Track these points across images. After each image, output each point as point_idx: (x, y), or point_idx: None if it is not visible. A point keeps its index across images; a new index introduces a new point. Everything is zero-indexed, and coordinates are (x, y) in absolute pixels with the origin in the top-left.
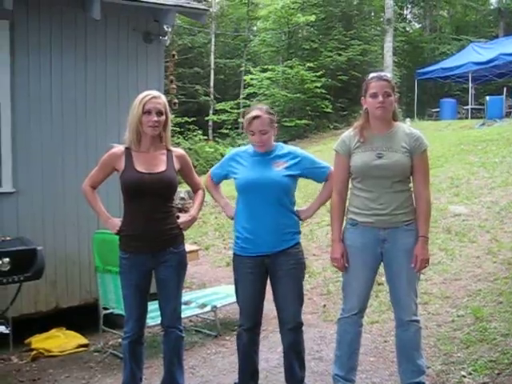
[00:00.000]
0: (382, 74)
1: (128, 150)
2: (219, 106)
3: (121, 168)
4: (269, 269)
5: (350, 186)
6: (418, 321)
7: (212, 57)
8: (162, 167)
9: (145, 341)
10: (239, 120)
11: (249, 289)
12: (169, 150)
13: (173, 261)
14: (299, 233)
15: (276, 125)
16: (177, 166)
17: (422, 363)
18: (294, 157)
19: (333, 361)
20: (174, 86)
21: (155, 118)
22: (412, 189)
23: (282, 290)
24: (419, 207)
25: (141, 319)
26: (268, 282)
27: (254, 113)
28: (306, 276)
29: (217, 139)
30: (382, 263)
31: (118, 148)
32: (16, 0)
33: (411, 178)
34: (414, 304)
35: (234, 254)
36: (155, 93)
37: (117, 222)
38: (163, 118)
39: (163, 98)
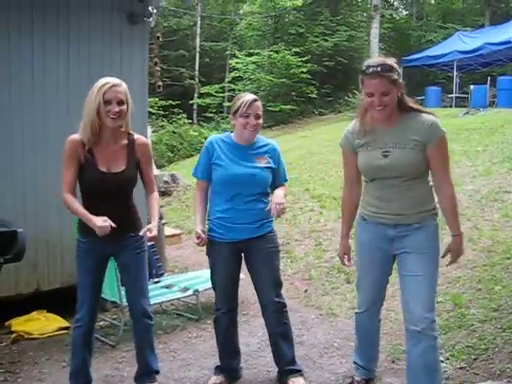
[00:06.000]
0: (380, 63)
1: (83, 141)
2: (204, 90)
3: (81, 161)
4: (245, 253)
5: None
6: (433, 337)
7: (197, 40)
8: (122, 165)
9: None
10: (224, 104)
11: (225, 273)
12: (130, 139)
13: (131, 244)
14: (272, 221)
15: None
16: (137, 156)
17: None
18: (273, 149)
19: (354, 347)
20: (159, 68)
21: (116, 109)
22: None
23: (261, 273)
24: (442, 204)
25: (95, 307)
26: (244, 267)
27: (251, 96)
28: (288, 261)
29: (201, 123)
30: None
31: (76, 135)
32: None
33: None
34: (427, 312)
35: (210, 240)
36: (115, 80)
37: (100, 222)
38: (124, 107)
39: (124, 86)
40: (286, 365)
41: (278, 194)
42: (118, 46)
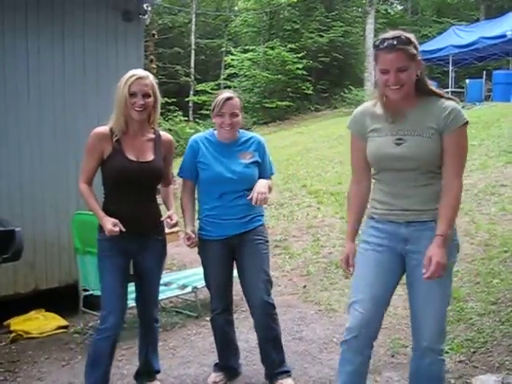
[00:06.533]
0: (396, 36)
1: (112, 132)
2: (200, 87)
3: (107, 151)
4: (235, 248)
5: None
6: (441, 351)
7: (192, 37)
8: (151, 155)
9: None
10: None
11: (217, 271)
12: (156, 134)
13: (156, 249)
14: (263, 215)
15: (243, 113)
16: (162, 151)
17: None
18: (258, 143)
19: None
20: (154, 65)
21: (141, 102)
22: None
23: (248, 266)
24: (444, 200)
25: (124, 311)
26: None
27: (226, 94)
28: (286, 257)
29: (197, 120)
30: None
31: (103, 128)
32: None
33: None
34: (438, 327)
35: (200, 239)
36: (141, 73)
37: (110, 225)
38: (151, 99)
39: (151, 78)
40: (275, 368)
41: (261, 183)
42: (113, 44)
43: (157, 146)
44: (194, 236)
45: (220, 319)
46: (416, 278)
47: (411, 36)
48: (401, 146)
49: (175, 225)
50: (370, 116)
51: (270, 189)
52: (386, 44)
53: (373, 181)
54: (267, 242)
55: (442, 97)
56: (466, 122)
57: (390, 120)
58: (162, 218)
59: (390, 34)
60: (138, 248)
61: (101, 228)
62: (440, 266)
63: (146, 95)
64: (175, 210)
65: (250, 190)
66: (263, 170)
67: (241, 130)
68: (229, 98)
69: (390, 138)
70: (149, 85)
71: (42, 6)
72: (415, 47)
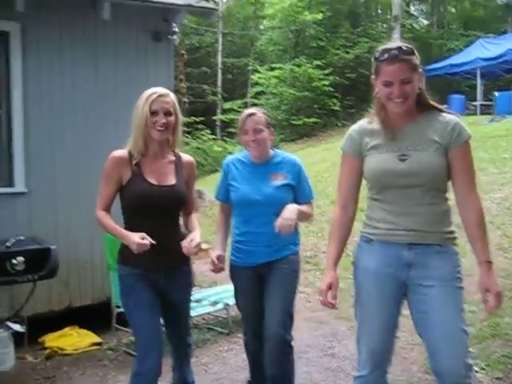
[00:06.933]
0: (398, 46)
1: (131, 155)
2: (227, 105)
3: (127, 176)
4: (264, 276)
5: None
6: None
7: (219, 56)
8: (172, 179)
9: None
10: None
11: (248, 298)
12: (177, 156)
13: (184, 281)
14: (297, 243)
15: (273, 130)
16: (184, 174)
17: None
18: (292, 164)
19: None
20: (184, 85)
21: (163, 120)
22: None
23: (270, 297)
24: (468, 219)
25: (162, 350)
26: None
27: (249, 111)
28: (317, 273)
29: (225, 138)
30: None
31: (122, 151)
32: (27, 2)
33: (451, 182)
34: (462, 362)
35: (231, 264)
36: (162, 90)
37: (137, 238)
38: (172, 118)
39: (172, 97)
40: None
41: (289, 209)
42: (143, 64)
43: (178, 168)
44: (217, 262)
45: (250, 343)
46: (431, 307)
47: (412, 46)
48: (405, 162)
49: (197, 249)
50: (368, 134)
51: (304, 215)
52: (387, 55)
53: (373, 201)
54: (295, 271)
55: (442, 111)
56: (470, 137)
57: (390, 136)
58: (184, 242)
59: (390, 45)
60: (164, 280)
61: (121, 259)
62: (500, 295)
63: (167, 113)
64: (199, 235)
65: (281, 211)
66: (299, 194)
67: (277, 150)
68: (251, 114)
69: (392, 154)
70: (170, 103)
71: (76, 28)
72: (417, 57)
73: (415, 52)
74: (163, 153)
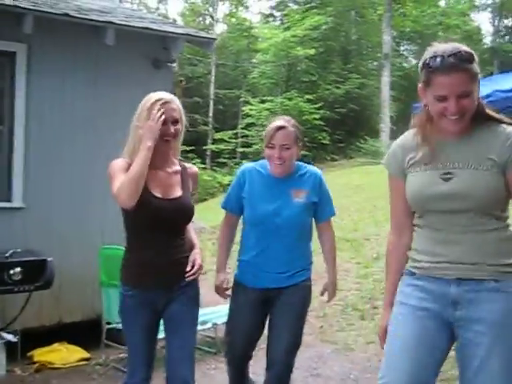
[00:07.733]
0: (455, 51)
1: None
2: (218, 136)
3: None
4: (271, 301)
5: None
6: None
7: (212, 87)
8: (178, 191)
9: None
10: (237, 149)
11: (246, 318)
12: (182, 166)
13: (188, 293)
14: (310, 268)
15: (302, 145)
16: (189, 185)
17: None
18: (314, 178)
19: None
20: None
21: (172, 130)
22: None
23: (278, 323)
24: None
25: (152, 367)
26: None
27: (278, 123)
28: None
29: (215, 168)
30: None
31: (123, 160)
32: (34, 25)
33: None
34: None
35: (236, 281)
36: (168, 96)
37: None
38: (179, 126)
39: (177, 102)
40: None
41: (332, 287)
42: (143, 88)
43: (184, 179)
44: (224, 287)
45: (233, 371)
46: (478, 356)
47: (471, 50)
48: (450, 182)
49: (201, 271)
50: (411, 148)
51: (335, 260)
52: (442, 63)
53: (416, 228)
54: (306, 299)
55: (502, 122)
56: None
57: (433, 151)
58: (187, 268)
59: (444, 47)
60: (167, 298)
61: (127, 278)
62: None
63: (174, 121)
64: (199, 251)
65: (299, 236)
66: (321, 210)
67: (299, 163)
68: (281, 128)
69: (435, 172)
70: (176, 109)
71: (80, 51)
72: (477, 63)
73: (475, 57)
74: (167, 163)
